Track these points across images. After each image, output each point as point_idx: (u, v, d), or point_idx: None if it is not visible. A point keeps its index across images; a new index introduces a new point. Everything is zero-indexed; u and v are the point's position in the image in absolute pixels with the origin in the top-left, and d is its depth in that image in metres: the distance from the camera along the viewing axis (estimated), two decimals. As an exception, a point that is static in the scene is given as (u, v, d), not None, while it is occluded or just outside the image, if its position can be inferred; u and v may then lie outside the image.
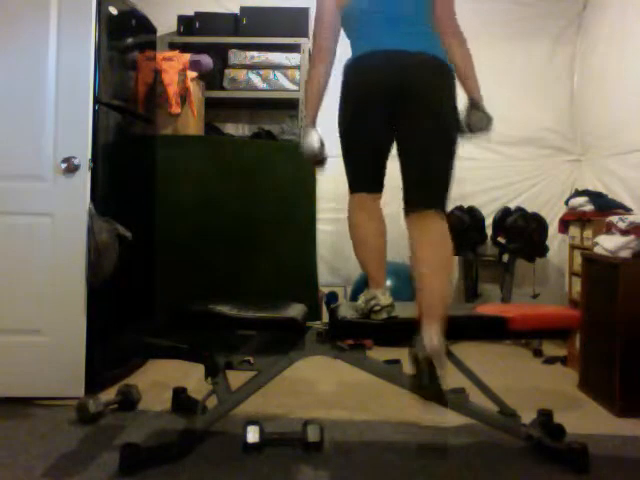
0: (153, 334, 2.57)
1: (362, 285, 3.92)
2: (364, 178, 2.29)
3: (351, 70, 2.22)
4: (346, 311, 2.34)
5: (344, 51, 2.33)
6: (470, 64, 2.22)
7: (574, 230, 3.76)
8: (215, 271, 3.45)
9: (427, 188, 2.13)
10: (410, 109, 2.10)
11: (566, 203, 3.93)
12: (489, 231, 4.31)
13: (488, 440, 2.41)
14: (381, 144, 2.24)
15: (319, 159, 2.32)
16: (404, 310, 2.27)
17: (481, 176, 4.42)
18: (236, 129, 4.59)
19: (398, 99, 2.10)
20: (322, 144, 2.28)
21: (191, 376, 3.07)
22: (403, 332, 2.14)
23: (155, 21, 3.57)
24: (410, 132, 2.13)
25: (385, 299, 2.21)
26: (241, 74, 4.19)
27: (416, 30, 2.15)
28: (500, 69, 4.38)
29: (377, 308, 2.19)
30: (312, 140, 2.27)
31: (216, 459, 2.21)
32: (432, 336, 1.94)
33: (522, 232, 4.11)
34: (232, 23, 4.23)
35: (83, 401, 2.54)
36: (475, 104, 2.19)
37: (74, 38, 2.75)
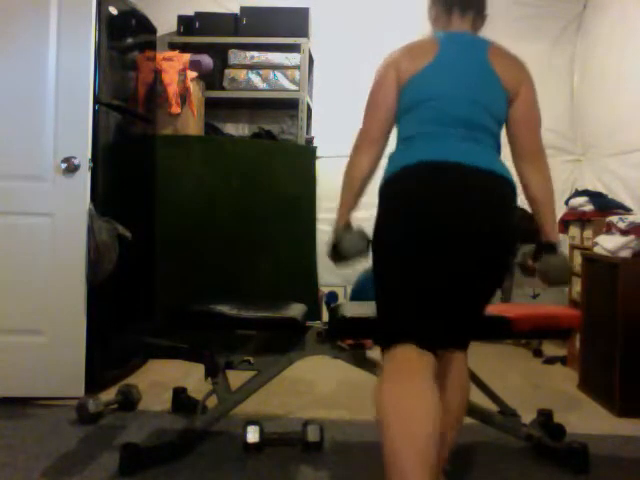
0: (153, 334, 2.57)
1: (363, 285, 3.93)
2: (416, 322, 1.64)
3: (414, 178, 1.70)
4: (349, 310, 2.34)
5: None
6: (553, 202, 1.87)
7: (574, 230, 3.76)
8: (215, 271, 3.45)
9: (462, 335, 1.82)
10: (478, 252, 1.67)
11: (566, 203, 3.93)
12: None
13: (488, 440, 2.41)
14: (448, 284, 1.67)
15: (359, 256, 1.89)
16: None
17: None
18: (236, 129, 4.59)
19: (471, 233, 1.66)
20: (364, 241, 1.86)
21: (191, 376, 3.07)
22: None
23: (155, 21, 3.57)
24: (465, 277, 1.68)
25: None
26: (241, 74, 4.19)
27: (488, 140, 1.77)
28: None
29: None
30: (354, 241, 1.85)
31: (216, 459, 2.21)
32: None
33: (522, 232, 4.10)
34: (232, 23, 4.23)
35: (83, 401, 2.54)
36: (551, 248, 1.85)
37: (74, 38, 2.75)
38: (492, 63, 1.79)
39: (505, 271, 1.83)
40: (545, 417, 2.45)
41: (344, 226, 1.86)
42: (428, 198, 1.66)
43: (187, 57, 3.78)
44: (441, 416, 1.51)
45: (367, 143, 1.83)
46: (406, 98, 1.79)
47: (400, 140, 1.82)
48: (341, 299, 4.42)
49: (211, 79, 4.14)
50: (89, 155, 2.77)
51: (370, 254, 1.81)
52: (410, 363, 1.58)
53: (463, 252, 1.65)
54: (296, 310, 2.37)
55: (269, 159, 3.69)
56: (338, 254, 1.87)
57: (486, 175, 1.69)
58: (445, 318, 1.68)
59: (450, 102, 1.75)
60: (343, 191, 1.85)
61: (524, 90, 1.82)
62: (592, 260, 3.11)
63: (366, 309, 2.32)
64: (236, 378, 2.35)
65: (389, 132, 1.85)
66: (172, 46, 4.17)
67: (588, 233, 3.49)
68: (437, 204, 1.65)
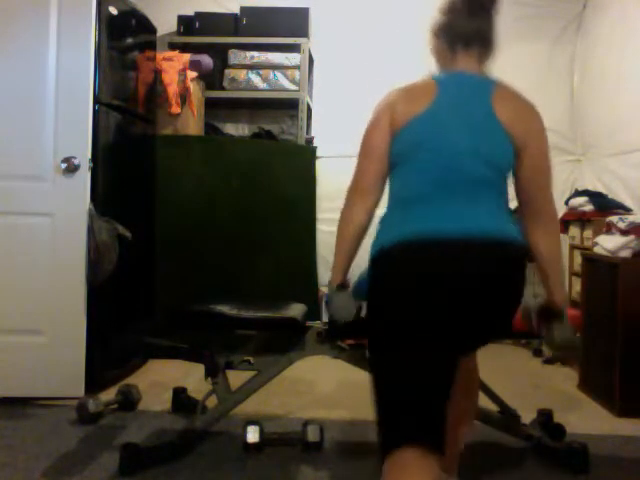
0: (153, 334, 2.57)
1: (362, 284, 3.91)
2: (416, 420, 1.45)
3: (413, 258, 1.51)
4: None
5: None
6: (561, 266, 1.73)
7: (574, 230, 3.76)
8: (215, 271, 3.45)
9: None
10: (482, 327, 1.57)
11: (566, 203, 3.93)
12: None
13: (488, 440, 2.41)
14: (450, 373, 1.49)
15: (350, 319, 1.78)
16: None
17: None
18: (236, 129, 4.59)
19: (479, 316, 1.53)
20: (355, 306, 1.77)
21: (191, 376, 3.06)
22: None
23: (155, 21, 3.57)
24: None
25: None
26: (241, 74, 4.19)
27: (491, 197, 1.62)
28: (500, 69, 4.37)
29: None
30: (344, 303, 1.75)
31: (216, 459, 2.21)
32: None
33: (522, 232, 4.10)
34: (232, 23, 4.23)
35: (83, 401, 2.54)
36: (558, 316, 1.70)
37: (74, 38, 2.75)
38: (496, 109, 1.61)
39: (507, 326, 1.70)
40: (545, 417, 2.45)
41: (337, 287, 1.73)
42: (426, 288, 1.48)
43: (187, 57, 3.78)
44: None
45: (358, 195, 1.67)
46: (399, 146, 1.63)
47: (392, 201, 1.66)
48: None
49: (211, 79, 4.14)
50: (89, 155, 2.77)
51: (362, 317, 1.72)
52: (410, 467, 1.42)
53: (467, 338, 1.55)
54: (296, 310, 2.37)
55: (269, 159, 3.69)
56: (328, 312, 1.76)
57: (492, 247, 1.53)
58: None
59: (448, 154, 1.58)
60: (336, 249, 1.71)
61: (533, 140, 1.65)
62: (592, 260, 3.11)
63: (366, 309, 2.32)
64: (236, 378, 2.35)
65: (382, 181, 1.68)
66: (172, 46, 4.17)
67: (588, 233, 3.49)
68: (436, 294, 1.48)
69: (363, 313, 1.73)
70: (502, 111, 1.61)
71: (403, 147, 1.62)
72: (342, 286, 1.73)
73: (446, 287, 1.48)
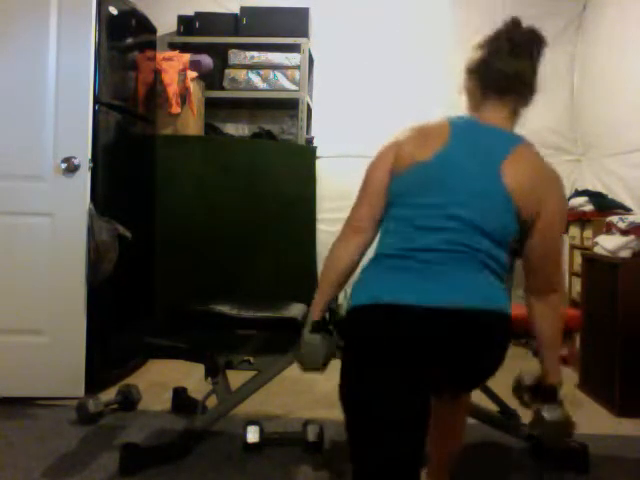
0: (153, 334, 2.57)
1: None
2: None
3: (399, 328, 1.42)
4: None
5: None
6: (560, 343, 1.66)
7: (574, 230, 3.76)
8: (215, 271, 3.45)
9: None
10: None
11: (566, 203, 3.92)
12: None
13: (488, 440, 2.41)
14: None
15: (323, 366, 1.70)
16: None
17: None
18: (236, 129, 4.59)
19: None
20: (330, 353, 1.70)
21: (191, 376, 3.06)
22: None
23: (155, 21, 3.57)
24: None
25: None
26: (241, 74, 4.19)
27: (486, 269, 1.51)
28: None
29: None
30: (317, 351, 1.67)
31: (216, 459, 2.21)
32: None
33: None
34: (232, 23, 4.23)
35: (83, 401, 2.54)
36: (551, 396, 1.62)
37: (74, 38, 2.75)
38: (506, 174, 1.45)
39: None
40: (545, 417, 2.45)
41: (313, 326, 1.65)
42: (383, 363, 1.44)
43: (187, 57, 3.77)
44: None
45: (350, 231, 1.59)
46: (396, 189, 1.54)
47: (377, 246, 1.58)
48: (341, 299, 4.41)
49: (211, 79, 4.14)
50: (89, 155, 2.77)
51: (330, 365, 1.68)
52: None
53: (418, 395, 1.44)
54: (296, 310, 2.37)
55: (269, 159, 3.69)
56: (299, 360, 1.68)
57: (458, 321, 1.42)
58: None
59: (436, 215, 1.46)
60: (320, 283, 1.64)
61: (546, 213, 1.48)
62: (592, 260, 3.11)
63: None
64: (236, 378, 2.35)
65: (377, 222, 1.58)
66: (172, 46, 4.17)
67: (588, 233, 3.49)
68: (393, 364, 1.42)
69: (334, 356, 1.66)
70: (513, 176, 1.45)
71: (399, 191, 1.53)
72: (318, 326, 1.65)
73: (401, 351, 1.40)
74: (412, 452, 1.42)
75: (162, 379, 3.15)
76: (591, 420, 2.72)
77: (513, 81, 1.55)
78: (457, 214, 1.44)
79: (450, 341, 1.41)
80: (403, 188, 1.52)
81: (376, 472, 1.41)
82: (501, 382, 2.64)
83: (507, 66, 1.55)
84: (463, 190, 1.46)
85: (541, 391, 1.65)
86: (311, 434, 2.29)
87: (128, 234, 2.88)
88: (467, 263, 1.46)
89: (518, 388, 1.79)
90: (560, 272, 1.59)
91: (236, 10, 4.27)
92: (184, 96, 3.72)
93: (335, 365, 2.43)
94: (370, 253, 1.60)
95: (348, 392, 1.54)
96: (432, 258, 1.44)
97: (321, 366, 1.67)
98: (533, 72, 1.61)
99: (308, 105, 4.29)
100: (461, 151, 1.50)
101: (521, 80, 1.57)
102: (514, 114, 1.58)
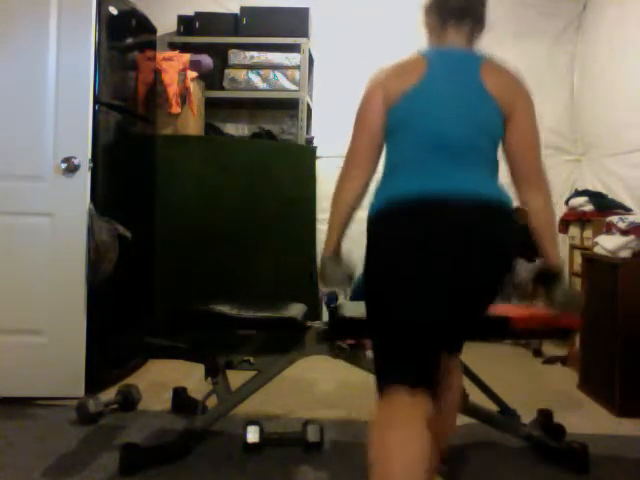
0: (153, 334, 2.57)
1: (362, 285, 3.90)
2: (408, 364, 1.58)
3: (398, 221, 1.60)
4: (349, 310, 2.34)
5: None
6: (554, 228, 1.80)
7: (574, 230, 3.76)
8: (215, 271, 3.45)
9: (460, 343, 1.81)
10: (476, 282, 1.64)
11: (566, 203, 3.93)
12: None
13: (488, 440, 2.41)
14: (442, 320, 1.60)
15: (345, 285, 1.84)
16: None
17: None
18: (236, 129, 4.59)
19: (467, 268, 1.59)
20: (348, 272, 1.81)
21: (191, 376, 3.06)
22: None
23: (155, 21, 3.57)
24: (463, 308, 1.65)
25: None
26: (241, 74, 4.19)
27: (481, 162, 1.69)
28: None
29: None
30: (336, 271, 1.79)
31: (216, 459, 2.21)
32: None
33: (522, 232, 4.10)
34: (232, 23, 4.23)
35: (83, 401, 2.54)
36: (556, 278, 1.75)
37: (74, 38, 2.75)
38: (485, 81, 1.68)
39: (498, 291, 1.76)
40: (545, 417, 2.45)
41: (330, 254, 1.78)
42: (413, 244, 1.57)
43: (187, 57, 3.78)
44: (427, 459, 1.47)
45: (354, 168, 1.74)
46: (393, 119, 1.70)
47: (386, 166, 1.73)
48: (341, 299, 4.41)
49: (211, 79, 4.14)
50: (89, 155, 2.77)
51: (354, 284, 1.82)
52: (404, 410, 1.53)
53: (452, 289, 1.59)
54: (296, 310, 2.37)
55: (269, 159, 3.69)
56: (320, 279, 1.81)
57: (478, 206, 1.60)
58: (438, 346, 1.62)
59: (439, 123, 1.66)
60: (331, 218, 1.78)
61: (520, 108, 1.71)
62: (592, 260, 3.11)
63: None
64: (236, 378, 2.35)
65: (378, 155, 1.75)
66: (172, 46, 4.17)
67: (588, 233, 3.49)
68: (422, 248, 1.57)
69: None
70: (490, 82, 1.68)
71: (396, 121, 1.69)
72: (334, 256, 1.79)
73: (430, 240, 1.56)
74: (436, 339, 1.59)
75: (162, 379, 3.15)
76: (591, 420, 2.72)
77: (467, 9, 1.76)
78: (459, 122, 1.65)
79: (479, 224, 1.60)
80: (400, 118, 1.68)
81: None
82: (501, 382, 2.64)
83: (460, 1, 1.76)
84: (457, 101, 1.67)
85: (545, 276, 1.76)
86: (311, 434, 2.29)
87: (128, 234, 2.88)
88: (475, 163, 1.66)
89: (522, 285, 1.91)
90: (540, 160, 1.78)
91: (236, 10, 4.27)
92: (184, 96, 3.72)
93: (333, 365, 2.44)
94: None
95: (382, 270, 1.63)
96: (443, 159, 1.63)
97: (345, 282, 1.80)
98: (482, 4, 1.80)
99: (308, 105, 4.29)
100: (443, 71, 1.71)
101: (473, 11, 1.77)
102: (472, 37, 1.78)
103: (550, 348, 3.98)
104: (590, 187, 4.02)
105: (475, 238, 1.59)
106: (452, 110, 1.67)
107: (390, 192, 1.64)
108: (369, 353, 2.36)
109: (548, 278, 1.76)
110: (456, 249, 1.57)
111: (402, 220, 1.60)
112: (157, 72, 3.62)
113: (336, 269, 1.79)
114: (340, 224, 1.76)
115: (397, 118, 1.69)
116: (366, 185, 1.74)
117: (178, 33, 4.29)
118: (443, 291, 1.57)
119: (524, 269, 1.86)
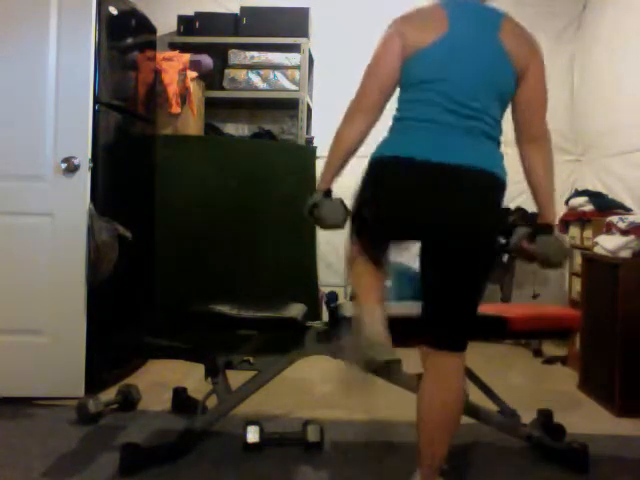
0: (153, 334, 2.57)
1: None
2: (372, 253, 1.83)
3: (403, 175, 1.72)
4: (349, 310, 2.33)
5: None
6: (552, 182, 1.85)
7: (574, 230, 3.76)
8: (215, 271, 3.45)
9: (452, 332, 1.79)
10: (458, 246, 1.72)
11: (566, 203, 3.93)
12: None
13: (488, 440, 2.41)
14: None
15: (338, 226, 1.92)
16: (405, 309, 2.26)
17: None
18: (236, 129, 4.59)
19: (450, 229, 1.71)
20: (342, 210, 1.88)
21: (191, 376, 3.06)
22: (403, 332, 2.13)
23: (155, 21, 3.57)
24: (448, 272, 1.74)
25: (389, 344, 1.79)
26: (241, 74, 4.19)
27: (490, 130, 1.77)
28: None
29: (379, 362, 1.71)
30: (331, 210, 1.87)
31: (216, 459, 2.21)
32: None
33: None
34: (232, 23, 4.23)
35: (83, 401, 2.54)
36: (549, 230, 1.83)
37: (74, 38, 2.75)
38: (504, 41, 1.73)
39: (490, 265, 1.84)
40: (545, 417, 2.45)
41: (325, 192, 1.87)
42: (412, 200, 1.71)
43: (187, 57, 3.78)
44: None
45: (360, 113, 1.79)
46: (411, 73, 1.74)
47: (398, 120, 1.78)
48: (341, 299, 4.41)
49: (211, 79, 4.14)
50: (89, 155, 2.77)
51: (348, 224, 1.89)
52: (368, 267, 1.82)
53: (445, 250, 1.72)
54: (296, 310, 2.37)
55: (269, 159, 3.69)
56: (316, 218, 1.89)
57: (477, 175, 1.71)
58: (434, 312, 1.78)
59: (457, 86, 1.70)
60: (327, 160, 1.85)
61: (533, 68, 1.80)
62: (592, 260, 3.11)
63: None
64: (236, 378, 2.35)
65: (385, 103, 1.80)
66: (172, 46, 4.17)
67: (588, 233, 3.49)
68: (420, 205, 1.71)
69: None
70: (509, 43, 1.73)
71: (414, 76, 1.74)
72: (329, 193, 1.87)
73: (426, 204, 1.70)
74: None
75: (162, 379, 3.15)
76: (591, 420, 2.72)
77: None
78: (478, 86, 1.72)
79: (463, 189, 1.70)
80: (420, 72, 1.73)
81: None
82: (501, 382, 2.65)
83: None
84: (478, 63, 1.72)
85: (539, 228, 1.85)
86: (311, 434, 2.29)
87: (128, 234, 2.87)
88: (487, 133, 1.75)
89: (517, 242, 1.94)
90: (545, 120, 1.87)
91: (236, 10, 4.27)
92: (184, 96, 3.72)
93: (333, 365, 2.43)
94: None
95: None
96: (453, 126, 1.71)
97: (342, 222, 1.88)
98: None
99: (308, 105, 4.29)
100: (464, 28, 1.73)
101: None
102: None
103: (550, 348, 3.98)
104: (590, 187, 4.03)
105: (474, 200, 1.70)
106: (472, 74, 1.71)
107: (393, 148, 1.74)
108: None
109: (542, 232, 1.84)
110: (444, 202, 1.69)
111: (395, 172, 1.72)
112: (157, 72, 3.62)
113: (331, 206, 1.86)
114: (337, 164, 1.83)
115: (415, 73, 1.73)
116: (367, 131, 1.79)
117: (178, 33, 4.29)
118: (439, 245, 1.72)
119: (519, 232, 1.95)
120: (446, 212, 1.69)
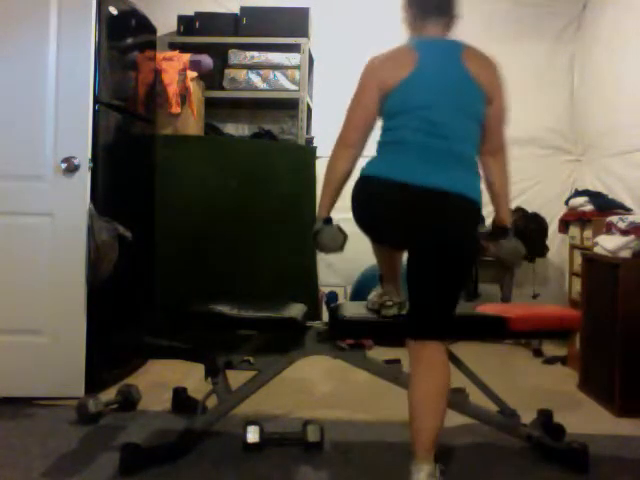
0: (153, 334, 2.57)
1: (362, 285, 3.94)
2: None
3: (379, 194, 1.94)
4: (349, 310, 2.34)
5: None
6: (508, 188, 2.12)
7: (574, 230, 3.76)
8: (215, 271, 3.45)
9: (433, 321, 1.94)
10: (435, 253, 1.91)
11: (566, 203, 3.93)
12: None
13: (488, 440, 2.41)
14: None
15: (338, 250, 2.07)
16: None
17: (481, 176, 4.41)
18: (236, 129, 4.59)
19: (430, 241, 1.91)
20: (341, 237, 2.04)
21: (191, 376, 3.06)
22: (403, 332, 2.14)
23: (155, 21, 3.57)
24: (428, 270, 1.93)
25: (398, 296, 2.23)
26: (241, 74, 4.19)
27: (467, 160, 1.96)
28: (500, 68, 4.38)
29: (389, 303, 2.20)
30: (330, 237, 2.04)
31: (216, 459, 2.21)
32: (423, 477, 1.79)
33: (522, 232, 4.11)
34: (232, 23, 4.23)
35: (83, 401, 2.54)
36: (505, 232, 2.11)
37: (74, 38, 2.75)
38: (468, 67, 1.93)
39: (467, 264, 2.05)
40: (545, 417, 2.45)
41: (325, 220, 2.03)
42: (392, 219, 1.95)
43: (187, 57, 3.77)
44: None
45: (344, 149, 2.01)
46: (390, 106, 1.95)
47: (384, 142, 1.99)
48: (341, 299, 4.42)
49: (211, 79, 4.14)
50: (89, 155, 2.77)
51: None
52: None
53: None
54: (296, 310, 2.37)
55: (269, 159, 3.69)
56: (317, 244, 2.06)
57: (456, 203, 1.90)
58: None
59: (432, 111, 1.90)
60: (323, 191, 2.05)
61: (498, 91, 2.00)
62: (592, 260, 3.11)
63: (366, 307, 2.33)
64: (236, 378, 2.35)
65: (367, 137, 2.00)
66: (172, 46, 4.17)
67: (588, 233, 3.49)
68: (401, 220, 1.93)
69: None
70: (472, 68, 1.93)
71: (392, 107, 1.95)
72: (328, 220, 2.04)
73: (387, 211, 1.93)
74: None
75: (162, 379, 3.15)
76: (591, 420, 2.72)
77: (446, 5, 2.03)
78: (453, 108, 1.92)
79: (439, 211, 1.90)
80: (397, 103, 1.94)
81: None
82: (501, 382, 2.64)
83: None
84: (449, 88, 1.92)
85: (497, 231, 2.12)
86: (311, 434, 2.29)
87: (128, 234, 2.87)
88: (465, 155, 1.95)
89: (480, 239, 2.14)
90: (504, 135, 2.09)
91: (236, 10, 4.27)
92: (184, 96, 3.72)
93: (333, 365, 2.44)
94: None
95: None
96: (428, 148, 1.90)
97: (340, 248, 2.05)
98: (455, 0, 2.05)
99: (308, 105, 4.29)
100: (432, 60, 1.94)
101: (450, 7, 2.03)
102: (449, 29, 2.04)
103: (550, 348, 3.98)
104: (590, 187, 4.03)
105: (448, 216, 1.91)
106: (443, 96, 1.91)
107: (372, 168, 1.96)
108: (369, 353, 2.37)
109: (499, 233, 2.11)
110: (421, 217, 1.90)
111: (383, 193, 1.93)
112: (157, 72, 3.62)
113: (330, 233, 2.04)
114: (333, 194, 2.03)
115: (393, 104, 1.94)
116: (354, 162, 2.01)
117: (178, 33, 4.29)
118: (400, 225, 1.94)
119: (482, 229, 2.16)
120: (418, 225, 1.90)
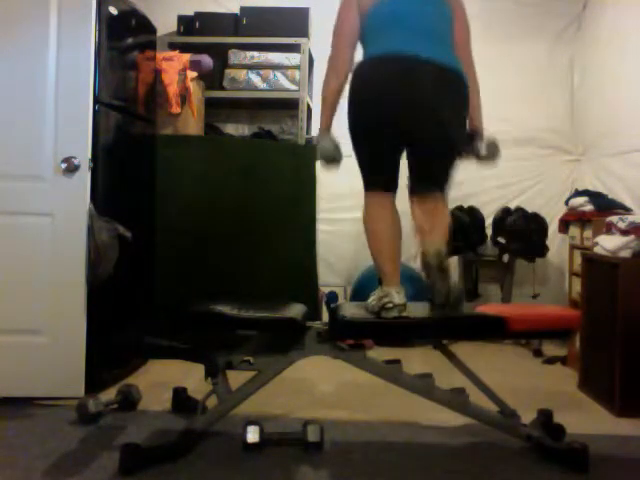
0: (153, 334, 2.57)
1: (362, 285, 3.94)
2: (380, 175, 2.36)
3: (372, 68, 2.26)
4: (349, 310, 2.34)
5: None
6: (478, 93, 2.39)
7: (574, 230, 3.76)
8: (215, 271, 3.45)
9: (433, 180, 2.33)
10: (430, 121, 2.23)
11: (566, 203, 3.93)
12: (489, 231, 4.31)
13: (488, 440, 2.41)
14: (398, 143, 2.34)
15: (335, 160, 2.38)
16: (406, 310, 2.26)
17: (481, 176, 4.41)
18: (236, 129, 4.59)
19: (422, 109, 2.22)
20: (337, 147, 2.36)
21: (191, 376, 3.07)
22: (402, 332, 2.14)
23: (155, 21, 3.57)
24: (427, 146, 2.29)
25: (399, 298, 2.24)
26: (241, 74, 4.19)
27: (444, 44, 2.29)
28: (500, 69, 4.39)
29: (389, 305, 2.21)
30: (328, 144, 2.35)
31: (216, 459, 2.21)
32: (436, 241, 2.23)
33: (522, 232, 4.11)
34: (232, 23, 4.24)
35: (83, 401, 2.54)
36: (480, 134, 2.39)
37: (74, 38, 2.75)
38: None
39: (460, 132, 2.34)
40: (545, 417, 2.45)
41: (324, 130, 2.36)
42: (380, 73, 2.23)
43: (187, 57, 3.78)
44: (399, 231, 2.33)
45: (334, 71, 2.33)
46: (370, 22, 2.26)
47: (368, 47, 2.30)
48: (341, 299, 4.42)
49: (211, 79, 4.14)
50: (89, 155, 2.77)
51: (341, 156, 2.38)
52: (381, 200, 2.34)
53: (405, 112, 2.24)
54: (296, 310, 2.37)
55: (269, 159, 3.69)
56: (318, 151, 2.35)
57: (440, 67, 2.20)
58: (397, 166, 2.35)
59: (413, 19, 2.23)
60: (323, 104, 2.38)
61: (460, 8, 2.39)
62: (592, 260, 3.11)
63: (366, 309, 2.32)
64: (236, 378, 2.35)
65: (353, 54, 2.32)
66: (172, 46, 4.17)
67: (588, 233, 3.49)
68: (389, 77, 2.21)
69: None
70: None
71: (374, 21, 2.26)
72: (327, 130, 2.37)
73: (407, 81, 2.20)
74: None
75: (162, 379, 3.15)
76: (591, 420, 2.72)
77: None
78: (428, 15, 2.27)
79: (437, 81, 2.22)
80: (377, 19, 2.25)
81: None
82: (501, 382, 2.65)
83: None
84: (423, 2, 2.28)
85: (472, 135, 2.40)
86: (311, 434, 2.29)
87: (128, 234, 2.88)
88: (441, 39, 2.30)
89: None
90: (470, 48, 2.39)
91: (236, 10, 4.28)
92: (184, 96, 3.72)
93: (333, 365, 2.44)
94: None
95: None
96: (414, 33, 2.24)
97: (336, 154, 2.36)
98: None
99: (308, 105, 4.29)
100: None
101: None
102: None
103: (550, 348, 3.99)
104: (590, 187, 4.03)
105: (439, 85, 2.21)
106: (423, 10, 2.26)
107: (370, 52, 2.27)
108: (369, 353, 2.37)
109: (473, 137, 2.38)
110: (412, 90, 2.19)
111: (372, 69, 2.24)
112: (157, 72, 3.62)
113: (329, 141, 2.34)
114: (329, 109, 2.35)
115: (374, 21, 2.25)
116: (345, 80, 2.31)
117: (178, 33, 4.29)
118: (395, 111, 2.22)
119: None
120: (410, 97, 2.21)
